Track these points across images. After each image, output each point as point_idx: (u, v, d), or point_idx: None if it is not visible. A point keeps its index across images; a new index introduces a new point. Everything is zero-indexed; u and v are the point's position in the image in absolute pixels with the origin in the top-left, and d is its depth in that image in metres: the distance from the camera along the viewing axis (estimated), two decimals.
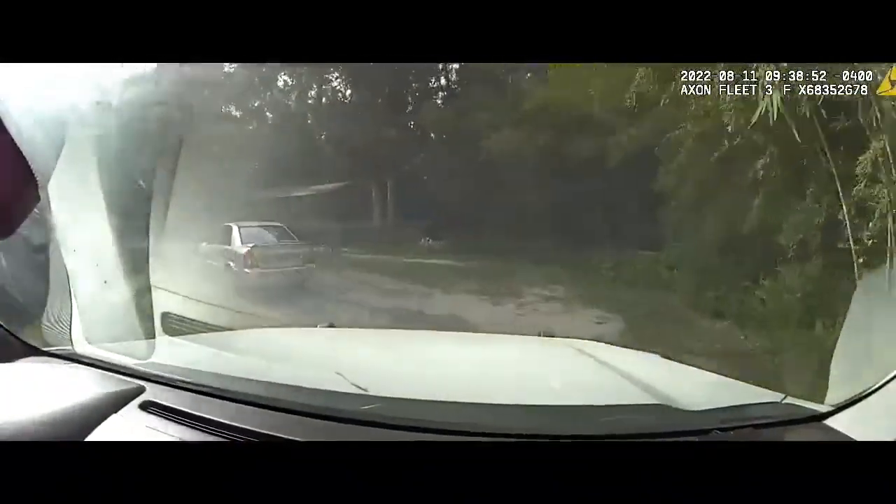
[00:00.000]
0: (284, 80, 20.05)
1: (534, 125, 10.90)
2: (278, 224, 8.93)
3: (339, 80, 18.74)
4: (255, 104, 20.40)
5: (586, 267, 8.93)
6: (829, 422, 1.00)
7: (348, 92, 18.64)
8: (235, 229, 7.86)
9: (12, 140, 0.70)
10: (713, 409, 1.02)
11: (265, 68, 18.45)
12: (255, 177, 19.72)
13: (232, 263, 7.27)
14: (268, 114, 20.97)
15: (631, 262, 8.61)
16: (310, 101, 20.48)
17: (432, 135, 16.50)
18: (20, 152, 0.71)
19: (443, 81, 16.95)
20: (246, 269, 7.09)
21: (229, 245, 7.59)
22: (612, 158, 9.01)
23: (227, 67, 18.60)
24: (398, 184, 16.21)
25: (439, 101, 16.96)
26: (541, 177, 11.14)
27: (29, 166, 0.73)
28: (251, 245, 7.37)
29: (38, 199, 0.79)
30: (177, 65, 16.06)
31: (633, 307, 6.22)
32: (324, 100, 19.87)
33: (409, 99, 17.79)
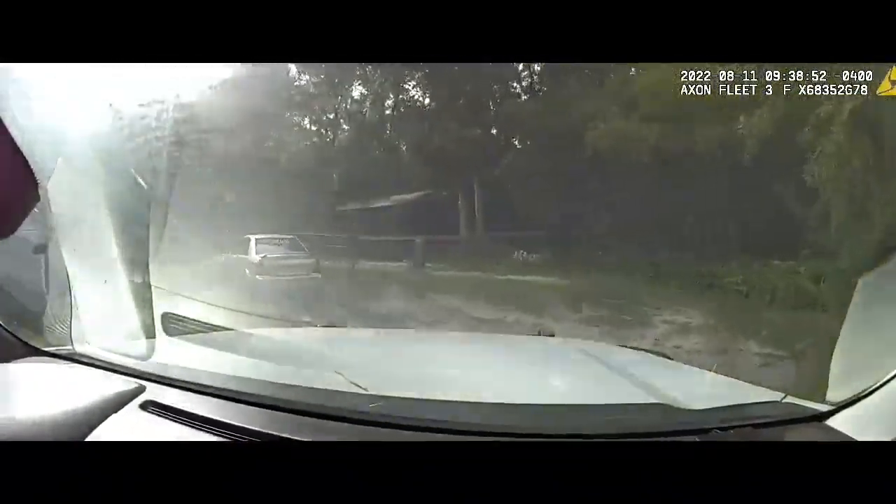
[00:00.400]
0: (360, 91, 19.27)
1: (645, 115, 8.82)
2: (292, 237, 9.75)
3: (415, 85, 17.44)
4: (330, 116, 19.58)
5: (711, 282, 7.49)
6: (829, 421, 1.00)
7: (426, 96, 16.96)
8: (252, 241, 8.83)
9: (12, 140, 0.70)
10: (713, 409, 1.02)
11: (337, 77, 17.75)
12: (330, 188, 18.58)
13: (248, 271, 8.23)
14: (343, 125, 20.17)
15: (762, 275, 7.10)
16: (387, 111, 19.43)
17: (524, 134, 14.31)
18: (20, 152, 0.71)
19: (532, 74, 15.01)
20: (258, 276, 7.96)
21: (246, 254, 8.60)
22: (739, 150, 7.27)
23: (299, 80, 18.05)
24: (487, 191, 14.40)
25: (529, 96, 14.73)
26: (652, 177, 9.40)
27: (29, 166, 0.73)
28: (262, 255, 8.30)
29: (38, 199, 0.79)
30: (243, 71, 15.70)
31: (792, 334, 4.96)
32: (401, 108, 18.76)
33: (494, 96, 15.64)
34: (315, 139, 19.76)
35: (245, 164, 16.10)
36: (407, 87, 17.94)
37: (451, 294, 8.11)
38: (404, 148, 17.67)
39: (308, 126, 19.72)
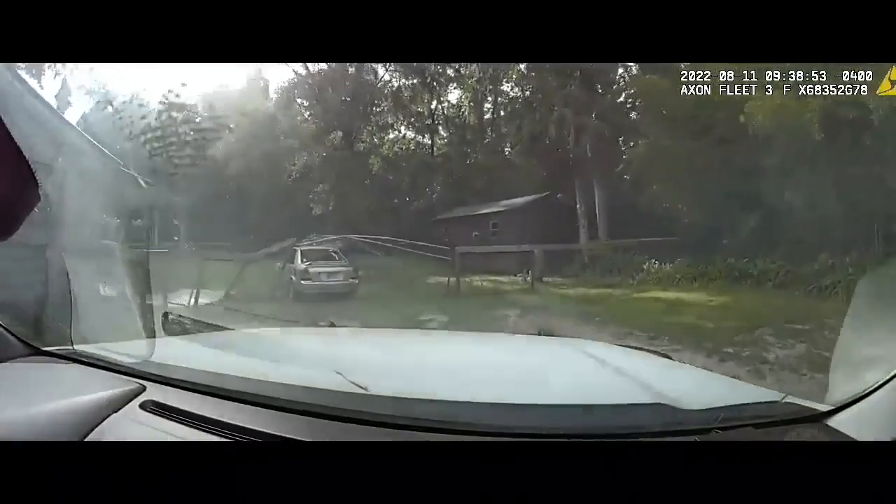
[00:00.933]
0: (457, 95, 18.76)
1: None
2: (332, 248, 10.82)
3: (519, 76, 16.04)
4: (427, 121, 19.05)
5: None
6: (830, 421, 1.00)
7: (531, 86, 14.83)
8: (298, 252, 10.05)
9: (12, 140, 0.70)
10: (713, 409, 1.02)
11: (428, 77, 17.29)
12: (429, 194, 18.33)
13: (294, 277, 9.31)
14: (441, 130, 19.59)
15: None
16: (486, 116, 18.64)
17: (651, 118, 11.43)
18: (20, 152, 0.71)
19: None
20: (302, 281, 8.95)
21: (293, 263, 9.70)
22: None
23: (390, 82, 17.54)
24: (609, 190, 12.48)
25: (658, 70, 11.29)
26: (809, 163, 7.41)
27: (29, 166, 0.73)
28: (307, 263, 9.34)
29: (38, 199, 0.79)
30: (327, 72, 15.35)
31: None
32: (505, 104, 17.76)
33: (614, 75, 13.15)
34: (412, 146, 19.32)
35: (332, 172, 15.73)
36: (510, 80, 16.52)
37: (589, 322, 6.05)
38: (511, 145, 15.93)
39: (403, 131, 19.27)
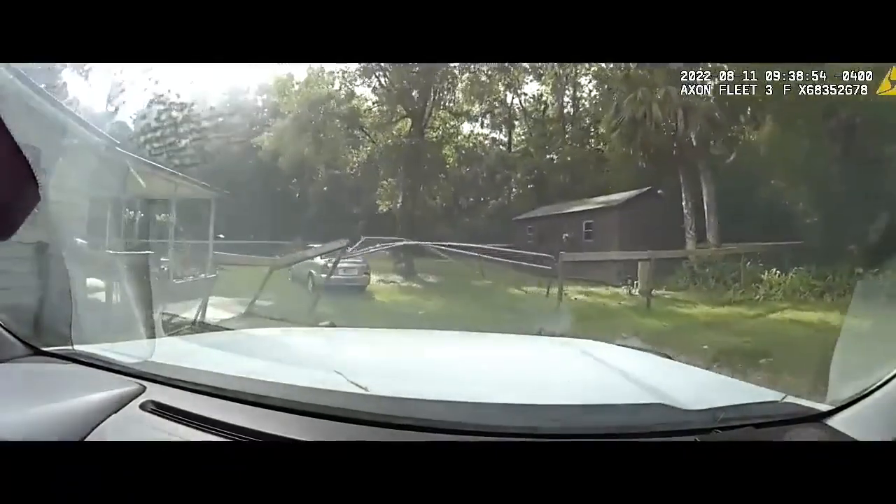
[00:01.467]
0: (536, 89, 17.26)
1: None
2: (347, 246, 11.28)
3: (592, 77, 14.61)
4: (504, 115, 17.66)
5: None
6: (830, 421, 1.00)
7: (616, 73, 12.63)
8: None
9: (12, 140, 0.70)
10: (713, 409, 1.02)
11: (513, 67, 15.43)
12: (506, 191, 17.22)
13: (313, 271, 10.33)
14: (517, 127, 18.11)
15: None
16: (566, 109, 16.99)
17: (769, 96, 8.60)
18: (20, 152, 0.71)
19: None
20: (322, 275, 9.89)
21: (313, 259, 10.69)
22: None
23: (461, 77, 15.65)
24: (719, 186, 10.51)
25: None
26: None
27: (29, 166, 0.73)
28: (326, 260, 10.12)
29: (38, 199, 0.79)
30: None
31: None
32: (584, 105, 16.13)
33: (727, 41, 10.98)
34: (486, 142, 18.01)
35: (400, 165, 14.46)
36: (588, 72, 14.98)
37: (755, 368, 4.55)
38: (601, 131, 13.55)
39: (479, 120, 17.65)
